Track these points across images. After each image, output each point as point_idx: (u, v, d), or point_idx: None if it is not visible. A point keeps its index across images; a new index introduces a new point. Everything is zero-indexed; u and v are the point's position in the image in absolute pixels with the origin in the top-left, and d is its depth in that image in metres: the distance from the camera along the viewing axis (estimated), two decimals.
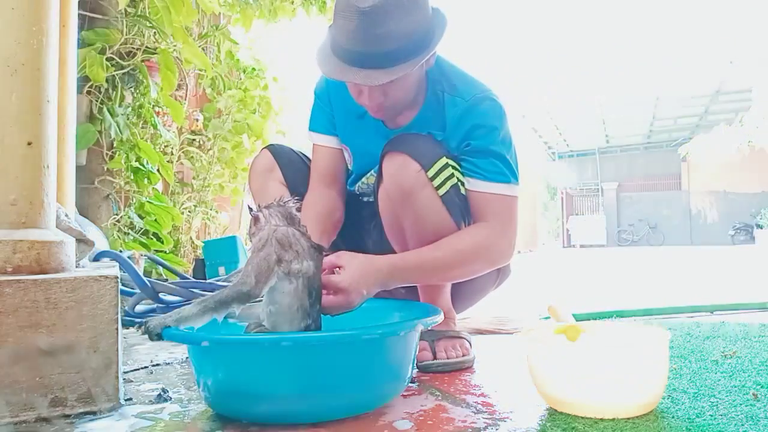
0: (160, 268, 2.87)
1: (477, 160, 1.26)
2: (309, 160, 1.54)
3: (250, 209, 1.06)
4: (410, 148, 1.23)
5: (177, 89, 3.40)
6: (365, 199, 1.49)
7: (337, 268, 1.11)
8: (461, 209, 1.24)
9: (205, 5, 3.10)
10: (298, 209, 1.07)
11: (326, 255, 1.10)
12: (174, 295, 1.90)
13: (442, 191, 1.22)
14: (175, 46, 3.00)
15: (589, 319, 2.09)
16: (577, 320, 1.13)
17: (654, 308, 2.28)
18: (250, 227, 1.06)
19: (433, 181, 1.21)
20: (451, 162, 1.24)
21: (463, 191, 1.25)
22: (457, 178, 1.25)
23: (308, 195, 1.41)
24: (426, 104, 1.32)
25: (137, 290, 1.86)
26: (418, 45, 1.17)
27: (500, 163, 1.26)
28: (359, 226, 1.52)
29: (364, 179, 1.46)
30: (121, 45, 2.83)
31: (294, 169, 1.49)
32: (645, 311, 2.24)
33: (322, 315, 1.08)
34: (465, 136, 1.27)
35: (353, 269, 1.10)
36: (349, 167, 1.47)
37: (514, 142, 1.32)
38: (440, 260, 1.21)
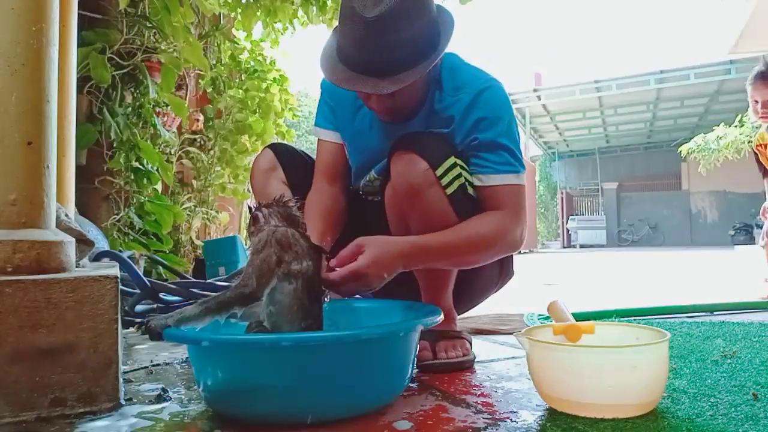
0: (160, 268, 2.87)
1: (486, 153, 1.26)
2: (311, 159, 1.54)
3: (250, 208, 1.06)
4: (419, 147, 1.22)
5: (177, 89, 3.41)
6: (371, 198, 1.49)
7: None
8: (468, 209, 1.24)
9: (204, 6, 3.10)
10: (300, 208, 1.07)
11: (326, 257, 1.10)
12: (174, 295, 1.90)
13: (449, 190, 1.22)
14: (175, 46, 3.00)
15: (589, 319, 2.09)
16: (577, 320, 1.13)
17: (654, 307, 2.29)
18: (249, 226, 1.06)
19: (441, 180, 1.21)
20: (459, 161, 1.24)
21: (470, 191, 1.25)
22: (465, 177, 1.24)
23: (311, 192, 1.41)
24: (430, 100, 1.32)
25: (137, 290, 1.87)
26: (425, 49, 1.17)
27: (507, 153, 1.26)
28: (365, 225, 1.52)
29: (367, 179, 1.46)
30: (121, 45, 2.83)
31: (296, 168, 1.49)
32: (645, 310, 2.24)
33: (334, 309, 1.09)
34: (470, 129, 1.26)
35: (374, 252, 1.09)
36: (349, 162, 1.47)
37: (517, 129, 1.32)
38: (460, 242, 1.20)
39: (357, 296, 1.12)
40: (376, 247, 1.10)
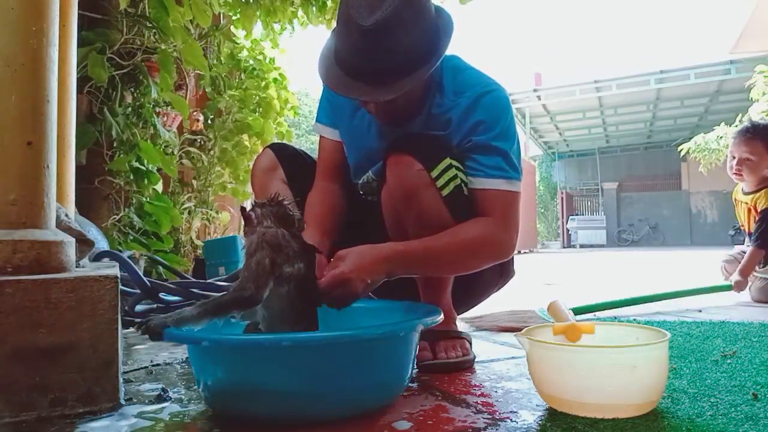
0: (160, 268, 2.87)
1: (478, 156, 1.25)
2: (312, 158, 1.54)
3: (243, 209, 1.06)
4: (414, 148, 1.22)
5: (177, 89, 3.41)
6: (369, 198, 1.49)
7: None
8: (464, 210, 1.23)
9: (200, 16, 3.10)
10: (297, 207, 1.06)
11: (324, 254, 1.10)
12: (174, 295, 1.90)
13: (445, 192, 1.21)
14: (174, 46, 3.00)
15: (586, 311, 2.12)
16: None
17: (629, 299, 2.35)
18: (244, 227, 1.05)
19: (437, 182, 1.20)
20: (455, 163, 1.23)
21: (466, 192, 1.24)
22: (461, 179, 1.23)
23: (312, 190, 1.41)
24: (429, 103, 1.31)
25: (137, 290, 1.87)
26: (424, 56, 1.16)
27: (501, 158, 1.24)
28: (364, 225, 1.52)
29: (364, 180, 1.46)
30: (121, 45, 2.83)
31: (297, 168, 1.49)
32: (618, 302, 2.29)
33: (332, 310, 1.08)
34: (467, 132, 1.26)
35: (354, 258, 1.08)
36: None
37: (518, 135, 1.31)
38: (441, 249, 1.19)
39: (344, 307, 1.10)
40: (356, 254, 1.10)
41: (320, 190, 1.42)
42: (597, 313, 2.18)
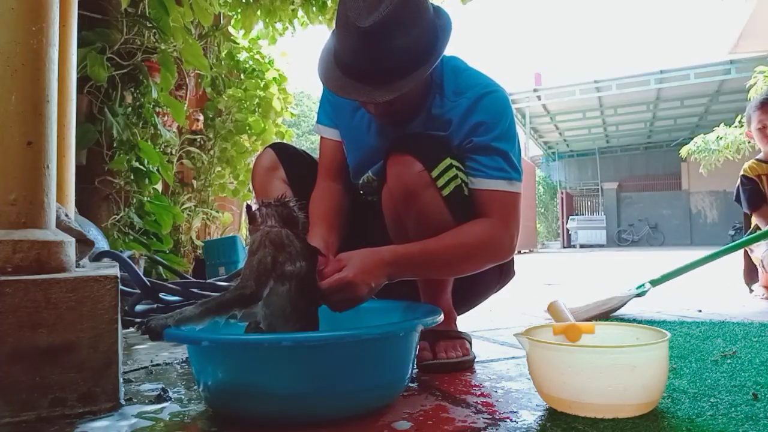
0: (160, 268, 2.87)
1: (479, 157, 1.25)
2: (312, 158, 1.54)
3: (248, 207, 1.06)
4: (414, 148, 1.22)
5: (177, 89, 3.41)
6: (369, 198, 1.49)
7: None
8: (464, 210, 1.23)
9: (202, 15, 3.10)
10: (300, 208, 1.06)
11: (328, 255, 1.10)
12: (174, 295, 1.90)
13: (445, 192, 1.21)
14: (174, 46, 3.00)
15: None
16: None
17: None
18: (248, 225, 1.06)
19: (437, 182, 1.20)
20: (455, 163, 1.23)
21: (466, 192, 1.24)
22: (461, 179, 1.23)
23: (315, 191, 1.41)
24: (429, 104, 1.31)
25: (137, 290, 1.87)
26: (422, 56, 1.16)
27: (501, 159, 1.24)
28: (362, 226, 1.52)
29: (365, 179, 1.46)
30: (121, 45, 2.83)
31: (298, 168, 1.49)
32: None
33: (333, 313, 1.08)
34: (468, 133, 1.26)
35: (357, 262, 1.08)
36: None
37: (518, 136, 1.31)
38: (443, 252, 1.18)
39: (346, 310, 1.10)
40: (360, 258, 1.09)
41: (323, 189, 1.42)
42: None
